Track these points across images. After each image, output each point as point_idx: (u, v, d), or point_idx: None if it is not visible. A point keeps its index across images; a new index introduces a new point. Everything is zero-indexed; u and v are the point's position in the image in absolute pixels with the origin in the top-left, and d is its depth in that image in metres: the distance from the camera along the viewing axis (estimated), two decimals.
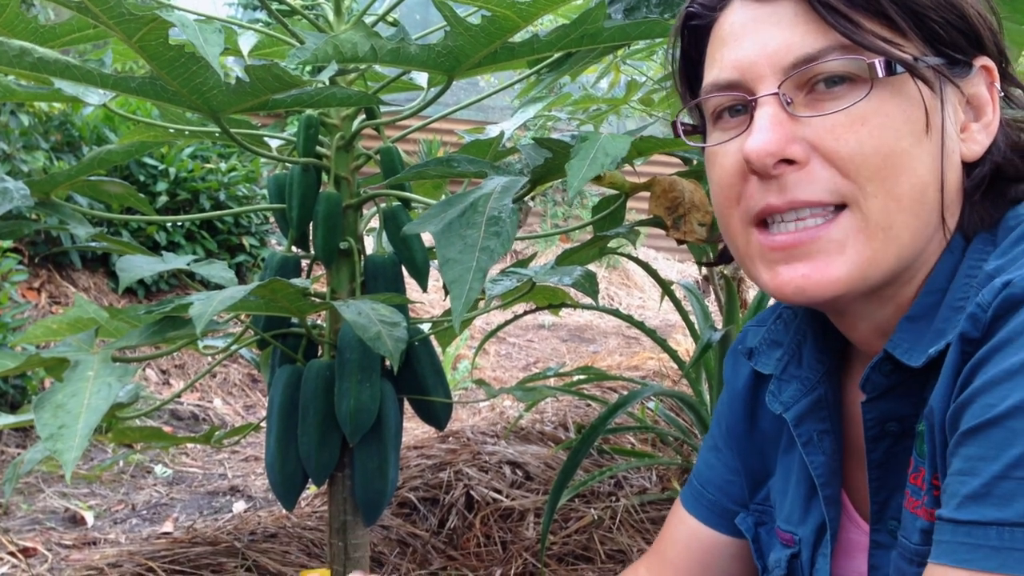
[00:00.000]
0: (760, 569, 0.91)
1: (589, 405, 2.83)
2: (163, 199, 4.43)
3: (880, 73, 0.68)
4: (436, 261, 1.55)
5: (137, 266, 1.18)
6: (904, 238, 0.70)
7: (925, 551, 0.68)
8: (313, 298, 1.37)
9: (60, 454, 0.87)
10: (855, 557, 0.82)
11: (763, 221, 0.73)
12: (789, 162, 0.70)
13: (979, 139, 0.73)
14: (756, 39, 0.72)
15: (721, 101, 0.76)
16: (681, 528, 0.99)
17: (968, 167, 0.73)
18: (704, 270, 2.32)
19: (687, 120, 0.84)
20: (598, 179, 1.41)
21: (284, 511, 2.14)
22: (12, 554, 2.16)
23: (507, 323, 2.06)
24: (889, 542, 0.76)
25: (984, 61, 0.73)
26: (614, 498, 2.06)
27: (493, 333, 2.16)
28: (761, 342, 0.91)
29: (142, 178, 4.44)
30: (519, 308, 2.02)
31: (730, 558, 0.96)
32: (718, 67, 0.75)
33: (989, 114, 0.74)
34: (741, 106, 0.74)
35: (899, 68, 0.68)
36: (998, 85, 0.74)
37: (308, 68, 1.21)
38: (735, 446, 0.96)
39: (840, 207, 0.70)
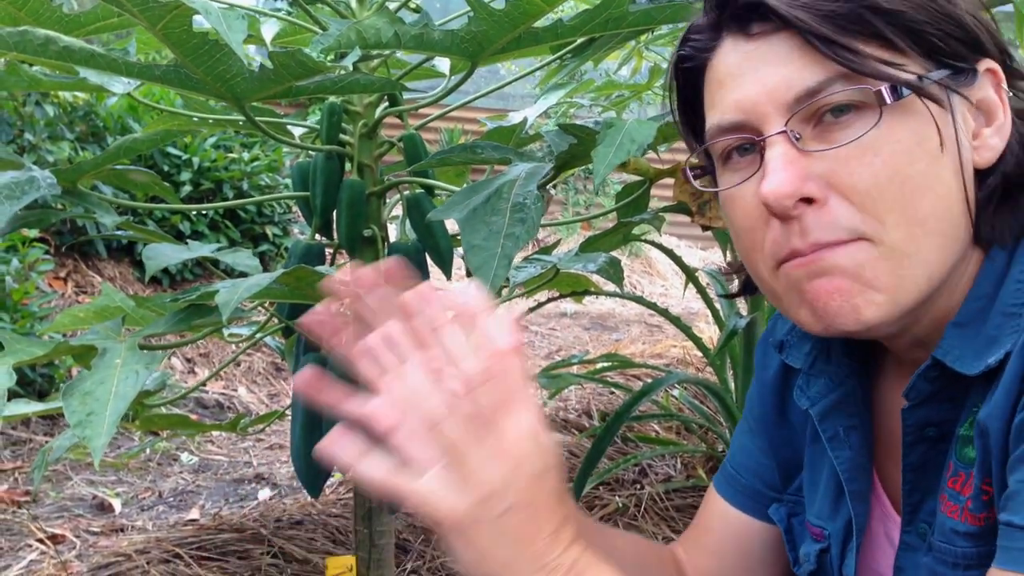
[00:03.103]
0: (792, 561, 0.90)
1: (613, 393, 2.82)
2: (187, 188, 4.46)
3: (888, 99, 0.65)
4: (459, 248, 1.55)
5: (163, 254, 1.18)
6: (931, 259, 0.68)
7: (971, 554, 0.67)
8: None
9: (89, 441, 0.88)
10: (888, 550, 0.81)
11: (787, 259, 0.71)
12: (808, 200, 0.67)
13: (992, 144, 0.71)
14: (754, 77, 0.70)
15: (729, 143, 0.73)
16: (715, 514, 0.98)
17: (982, 174, 0.71)
18: (728, 257, 2.30)
19: (695, 162, 0.82)
20: (623, 165, 1.40)
21: (309, 498, 2.15)
22: (41, 541, 2.19)
23: (530, 311, 2.05)
24: (918, 544, 0.75)
25: (987, 64, 0.71)
26: (639, 486, 2.05)
27: None
28: (791, 335, 0.89)
29: (166, 168, 4.47)
30: (541, 296, 2.02)
31: (765, 544, 0.95)
32: (720, 110, 0.73)
33: (1000, 116, 0.71)
34: (750, 144, 0.72)
35: (905, 91, 0.66)
36: (1005, 85, 0.72)
37: (331, 55, 1.21)
38: (767, 434, 0.95)
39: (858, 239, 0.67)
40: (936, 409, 0.72)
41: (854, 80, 0.66)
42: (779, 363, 0.92)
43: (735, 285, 0.92)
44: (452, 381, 0.59)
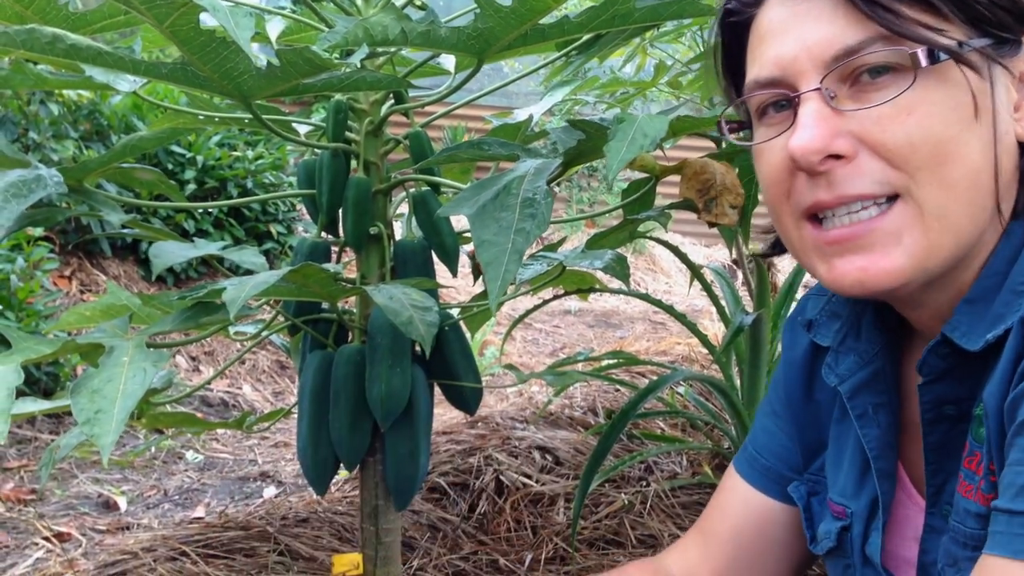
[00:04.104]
0: (809, 539, 0.90)
1: (618, 390, 2.82)
2: (191, 187, 4.46)
3: (923, 62, 0.66)
4: (465, 246, 1.55)
5: (169, 252, 1.18)
6: (960, 225, 0.69)
7: (980, 535, 0.67)
8: (343, 283, 1.37)
9: (97, 438, 0.87)
10: (908, 532, 0.81)
11: (814, 215, 0.72)
12: (836, 157, 0.69)
13: None
14: (796, 34, 0.71)
15: (764, 98, 0.75)
16: (733, 496, 0.98)
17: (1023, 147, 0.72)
18: (733, 253, 2.30)
19: (734, 117, 0.83)
20: (629, 162, 1.40)
21: (315, 496, 2.15)
22: (47, 539, 2.19)
23: (534, 309, 2.05)
24: (942, 526, 0.75)
25: None
26: (644, 483, 2.05)
27: (521, 319, 2.16)
28: (820, 314, 0.90)
29: (170, 166, 4.47)
30: (546, 294, 2.02)
31: (782, 526, 0.95)
32: (759, 64, 0.74)
33: None
34: (785, 101, 0.73)
35: (943, 55, 0.67)
36: None
37: (337, 53, 1.20)
38: (793, 414, 0.95)
39: (892, 197, 0.69)
40: (952, 386, 0.72)
41: (893, 42, 0.67)
42: (807, 343, 0.93)
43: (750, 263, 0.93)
44: None
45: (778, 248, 0.90)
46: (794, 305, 0.99)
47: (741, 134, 0.83)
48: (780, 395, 0.97)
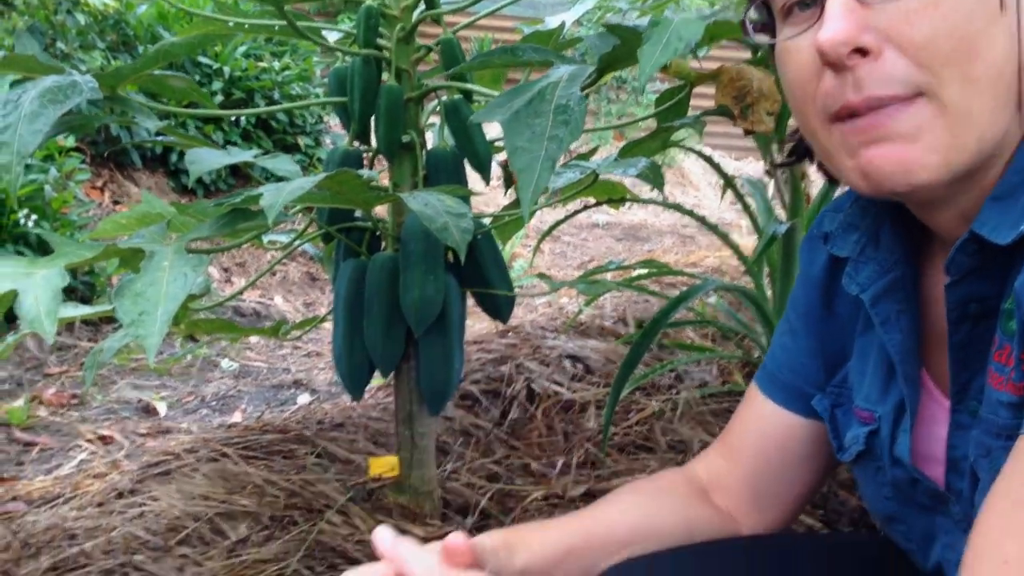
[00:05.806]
0: (836, 448, 0.92)
1: (648, 300, 2.83)
2: (218, 98, 4.45)
3: None
4: (496, 156, 1.55)
5: (205, 159, 1.19)
6: (983, 122, 0.68)
7: (1012, 424, 0.68)
8: (378, 191, 1.38)
9: (142, 339, 0.90)
10: (935, 431, 0.83)
11: (842, 118, 0.72)
12: (863, 53, 0.67)
13: None
14: None
15: None
16: (754, 413, 1.00)
17: None
18: (767, 165, 2.27)
19: (755, 17, 0.81)
20: (664, 69, 1.38)
21: (349, 403, 2.20)
22: (90, 441, 2.26)
23: (564, 219, 2.05)
24: (969, 423, 0.76)
25: None
26: (675, 391, 2.07)
27: (551, 230, 2.16)
28: (838, 226, 0.90)
29: (197, 77, 4.46)
30: (575, 205, 2.02)
31: (802, 440, 0.97)
32: None
33: None
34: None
35: None
36: None
37: None
38: (812, 331, 0.96)
39: (916, 95, 0.68)
40: (977, 284, 0.73)
41: None
42: (826, 258, 0.93)
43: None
44: None
45: (797, 155, 0.90)
46: None
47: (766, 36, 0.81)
48: (799, 312, 0.97)
